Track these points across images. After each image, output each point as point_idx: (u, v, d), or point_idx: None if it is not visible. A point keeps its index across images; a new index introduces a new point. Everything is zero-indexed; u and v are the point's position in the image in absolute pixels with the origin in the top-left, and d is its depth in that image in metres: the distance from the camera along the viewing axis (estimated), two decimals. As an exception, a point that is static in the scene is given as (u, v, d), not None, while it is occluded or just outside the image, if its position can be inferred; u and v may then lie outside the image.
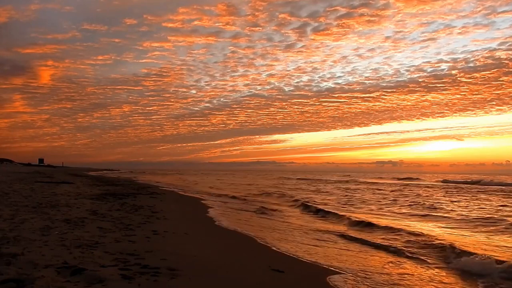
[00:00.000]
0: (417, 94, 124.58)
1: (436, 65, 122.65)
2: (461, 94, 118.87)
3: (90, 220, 9.12)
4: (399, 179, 66.52)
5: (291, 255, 7.79)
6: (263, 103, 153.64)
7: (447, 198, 24.56)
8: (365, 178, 73.07)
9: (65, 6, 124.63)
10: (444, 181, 56.20)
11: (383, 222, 12.89)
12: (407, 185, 44.88)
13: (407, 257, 8.08)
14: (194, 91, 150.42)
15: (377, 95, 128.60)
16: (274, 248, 8.31)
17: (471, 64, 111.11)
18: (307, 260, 7.42)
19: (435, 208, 17.87)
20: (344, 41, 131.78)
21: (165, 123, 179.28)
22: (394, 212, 16.68)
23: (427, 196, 26.66)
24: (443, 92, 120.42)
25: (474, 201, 22.36)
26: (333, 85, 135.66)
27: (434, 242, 9.18)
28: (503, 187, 40.02)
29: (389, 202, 21.91)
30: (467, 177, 72.90)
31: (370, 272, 6.66)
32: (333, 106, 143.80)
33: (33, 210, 10.30)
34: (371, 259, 7.82)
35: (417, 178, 67.85)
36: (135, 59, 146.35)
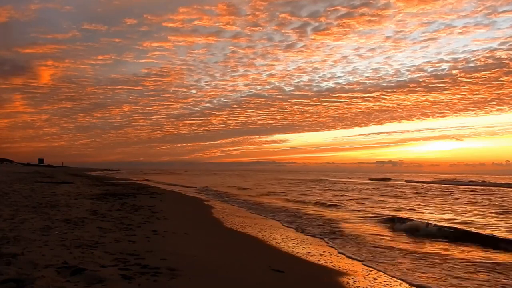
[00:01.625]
0: (418, 94, 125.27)
1: (437, 65, 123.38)
2: (462, 94, 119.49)
3: (90, 220, 9.11)
4: (371, 179, 69.09)
5: (292, 254, 7.80)
6: (263, 103, 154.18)
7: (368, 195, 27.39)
8: (339, 177, 78.51)
9: (65, 6, 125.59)
10: (407, 181, 59.56)
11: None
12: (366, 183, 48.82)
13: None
14: (194, 91, 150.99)
15: (378, 95, 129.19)
16: (277, 247, 8.32)
17: (472, 64, 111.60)
18: (307, 259, 7.43)
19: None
20: (345, 41, 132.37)
21: (165, 123, 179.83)
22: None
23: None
24: (444, 92, 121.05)
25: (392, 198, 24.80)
26: (333, 85, 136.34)
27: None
28: (460, 186, 43.14)
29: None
30: (440, 177, 76.97)
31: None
32: (333, 106, 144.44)
33: (33, 210, 10.29)
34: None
35: (390, 179, 68.87)
36: (135, 59, 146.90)
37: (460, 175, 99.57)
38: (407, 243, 9.88)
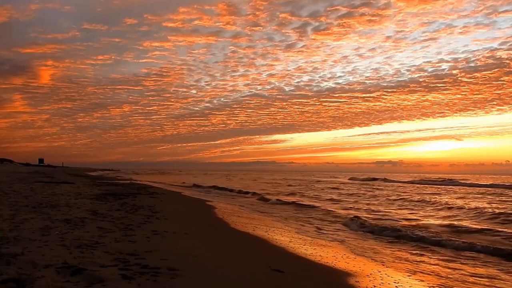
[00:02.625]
0: (418, 94, 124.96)
1: (437, 65, 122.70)
2: (462, 94, 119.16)
3: (90, 220, 9.12)
4: (352, 178, 70.08)
5: (293, 254, 7.80)
6: (263, 103, 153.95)
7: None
8: (325, 177, 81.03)
9: (65, 5, 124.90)
10: (385, 180, 61.60)
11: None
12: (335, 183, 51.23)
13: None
14: (194, 91, 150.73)
15: (378, 95, 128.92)
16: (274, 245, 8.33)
17: (472, 64, 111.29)
18: (308, 259, 7.43)
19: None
20: (345, 41, 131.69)
21: (165, 123, 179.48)
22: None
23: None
24: (444, 92, 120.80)
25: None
26: (333, 85, 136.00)
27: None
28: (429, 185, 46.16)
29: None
30: (427, 177, 78.97)
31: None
32: (333, 106, 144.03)
33: (33, 210, 10.30)
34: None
35: (377, 179, 67.87)
36: (135, 59, 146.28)
37: (457, 175, 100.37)
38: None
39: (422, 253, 8.95)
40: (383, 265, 7.43)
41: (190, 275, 5.04)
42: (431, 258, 8.43)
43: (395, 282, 6.15)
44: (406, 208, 18.83)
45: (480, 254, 8.75)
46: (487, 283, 6.54)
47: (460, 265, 7.81)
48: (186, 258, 6.12)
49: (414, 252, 9.03)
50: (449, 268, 7.54)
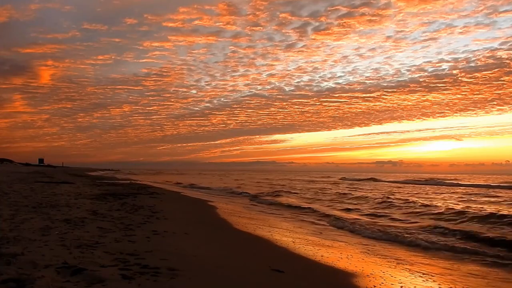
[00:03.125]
0: (418, 94, 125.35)
1: (437, 64, 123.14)
2: (462, 94, 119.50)
3: (90, 220, 9.11)
4: (342, 178, 70.64)
5: (293, 254, 7.80)
6: (263, 103, 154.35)
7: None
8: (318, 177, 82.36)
9: (65, 5, 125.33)
10: (374, 180, 62.68)
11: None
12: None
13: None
14: (194, 91, 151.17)
15: (378, 95, 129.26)
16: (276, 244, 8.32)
17: (472, 64, 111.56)
18: (308, 259, 7.42)
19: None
20: (345, 41, 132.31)
21: (165, 123, 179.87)
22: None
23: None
24: (444, 92, 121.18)
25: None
26: (333, 85, 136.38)
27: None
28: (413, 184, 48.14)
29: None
30: (417, 177, 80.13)
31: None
32: (333, 106, 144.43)
33: (33, 210, 10.29)
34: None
35: (373, 178, 67.93)
36: (135, 59, 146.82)
37: (456, 175, 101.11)
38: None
39: (416, 253, 8.98)
40: (382, 265, 7.43)
41: (190, 275, 5.03)
42: (425, 258, 8.45)
43: (399, 283, 6.16)
44: (389, 208, 19.15)
45: (472, 255, 8.85)
46: (491, 283, 6.54)
47: (451, 264, 7.82)
48: (186, 258, 6.11)
49: (409, 252, 9.07)
50: (448, 268, 7.55)
